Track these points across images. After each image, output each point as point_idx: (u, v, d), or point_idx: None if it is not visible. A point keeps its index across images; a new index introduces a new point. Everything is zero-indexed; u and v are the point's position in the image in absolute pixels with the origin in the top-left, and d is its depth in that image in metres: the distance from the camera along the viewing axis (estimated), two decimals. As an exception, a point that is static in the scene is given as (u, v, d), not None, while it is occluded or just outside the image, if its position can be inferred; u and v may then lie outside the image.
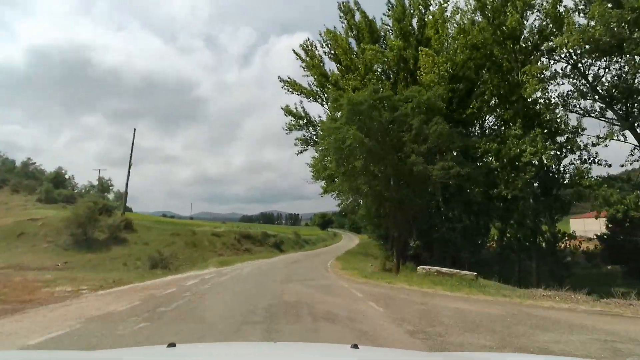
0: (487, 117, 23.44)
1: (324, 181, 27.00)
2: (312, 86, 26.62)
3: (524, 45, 20.91)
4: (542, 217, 22.10)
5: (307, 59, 25.59)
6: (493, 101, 22.59)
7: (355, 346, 1.73)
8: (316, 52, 25.87)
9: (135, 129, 26.12)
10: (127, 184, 25.22)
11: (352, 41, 25.09)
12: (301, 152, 27.64)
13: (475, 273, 10.91)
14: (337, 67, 25.55)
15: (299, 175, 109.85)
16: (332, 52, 25.99)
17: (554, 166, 19.88)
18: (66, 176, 47.08)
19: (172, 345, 1.66)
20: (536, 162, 21.21)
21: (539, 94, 20.73)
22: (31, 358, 1.84)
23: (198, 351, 1.98)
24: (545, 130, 19.26)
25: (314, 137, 27.56)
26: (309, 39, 25.75)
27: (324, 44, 26.08)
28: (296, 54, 24.83)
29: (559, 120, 19.90)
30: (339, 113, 16.66)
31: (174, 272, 14.36)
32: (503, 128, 21.66)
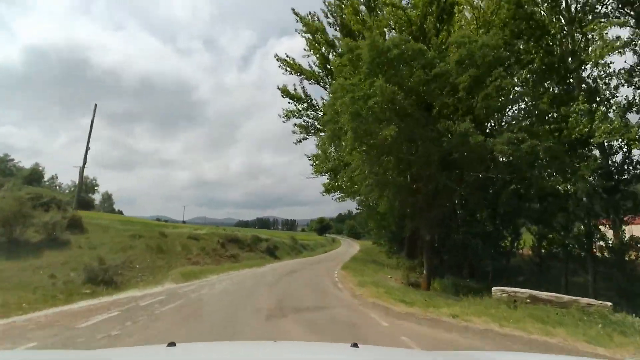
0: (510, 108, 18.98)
1: (326, 176, 22.75)
2: (314, 66, 22.30)
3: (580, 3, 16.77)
4: (603, 218, 17.71)
5: (306, 27, 21.18)
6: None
7: (355, 345, 1.68)
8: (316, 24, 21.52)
9: (95, 105, 21.47)
10: (82, 172, 20.53)
11: (363, 9, 20.84)
12: (300, 141, 23.22)
13: (609, 304, 6.28)
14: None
15: (296, 178, 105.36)
16: (338, 21, 21.72)
17: (627, 149, 15.47)
18: (45, 174, 43.03)
19: (172, 344, 1.64)
20: (595, 151, 17.01)
21: (588, 71, 16.70)
22: (31, 358, 1.80)
23: (198, 350, 1.92)
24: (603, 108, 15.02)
25: (316, 124, 23.22)
26: (310, 12, 21.34)
27: (328, 14, 21.79)
28: (296, 14, 20.41)
29: (632, 96, 15.63)
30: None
31: (111, 291, 9.62)
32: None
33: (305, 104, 23.09)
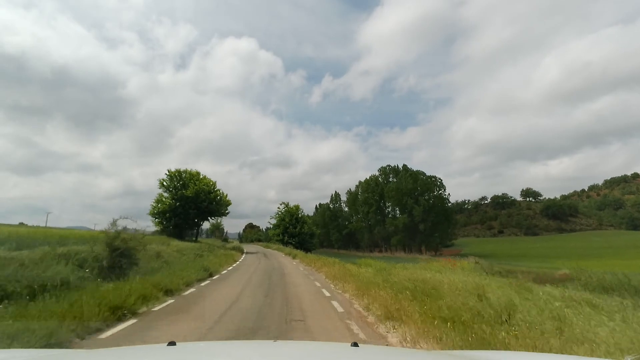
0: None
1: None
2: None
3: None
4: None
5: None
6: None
7: (355, 344, 1.70)
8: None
9: None
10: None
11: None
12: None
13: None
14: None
15: (237, 188, 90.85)
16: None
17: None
18: None
19: (172, 343, 1.66)
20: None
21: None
22: (31, 358, 1.69)
23: (198, 349, 1.95)
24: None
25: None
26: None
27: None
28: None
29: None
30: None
31: None
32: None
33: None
